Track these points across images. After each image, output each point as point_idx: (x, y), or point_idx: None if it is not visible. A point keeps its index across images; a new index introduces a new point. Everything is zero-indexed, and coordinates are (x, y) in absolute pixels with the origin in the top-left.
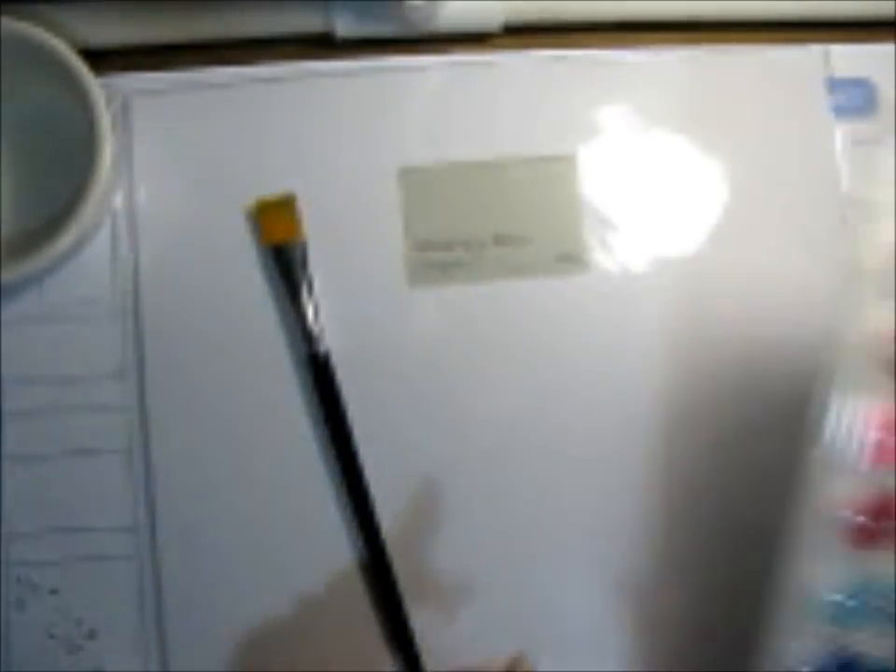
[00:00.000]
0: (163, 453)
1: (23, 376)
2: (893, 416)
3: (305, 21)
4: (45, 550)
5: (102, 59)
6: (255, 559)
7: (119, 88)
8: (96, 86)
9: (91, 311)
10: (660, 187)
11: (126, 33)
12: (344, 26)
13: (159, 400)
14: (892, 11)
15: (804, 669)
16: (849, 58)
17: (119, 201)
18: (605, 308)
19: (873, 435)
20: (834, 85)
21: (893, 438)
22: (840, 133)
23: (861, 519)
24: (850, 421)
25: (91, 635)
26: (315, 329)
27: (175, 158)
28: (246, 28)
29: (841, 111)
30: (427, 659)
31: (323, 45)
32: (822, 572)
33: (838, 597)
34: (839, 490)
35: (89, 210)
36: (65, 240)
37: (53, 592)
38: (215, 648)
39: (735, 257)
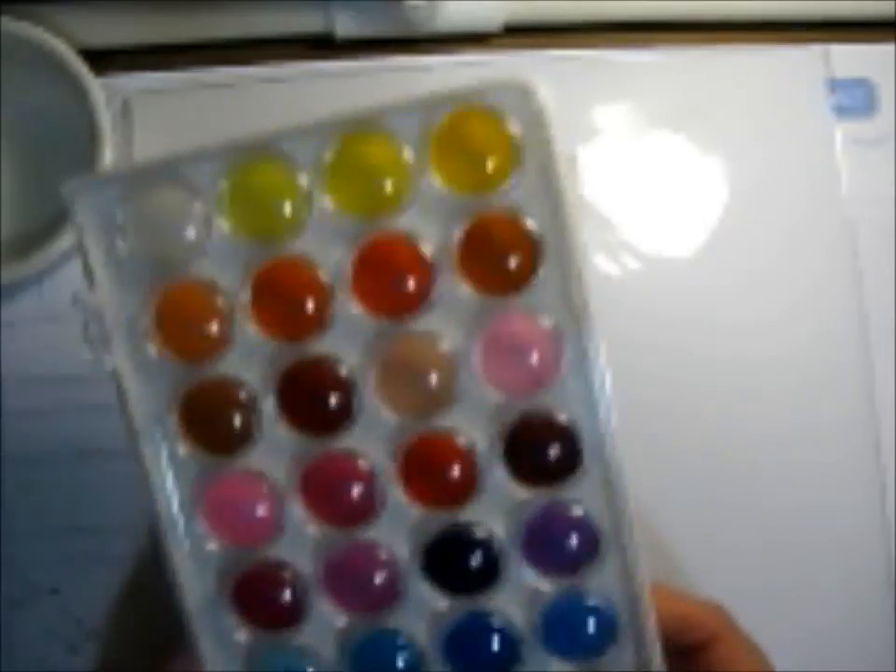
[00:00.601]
0: None
1: (23, 376)
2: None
3: (305, 22)
4: (45, 550)
5: (102, 59)
6: None
7: (119, 88)
8: (96, 86)
9: None
10: (660, 187)
11: (126, 33)
12: (344, 26)
13: None
14: (892, 11)
15: None
16: (850, 58)
17: None
18: (604, 308)
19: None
20: (835, 85)
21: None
22: (840, 133)
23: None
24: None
25: (92, 635)
26: None
27: None
28: (246, 28)
29: (841, 111)
30: None
31: (323, 45)
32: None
33: None
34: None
35: None
36: (65, 240)
37: (53, 592)
38: None
39: (736, 257)
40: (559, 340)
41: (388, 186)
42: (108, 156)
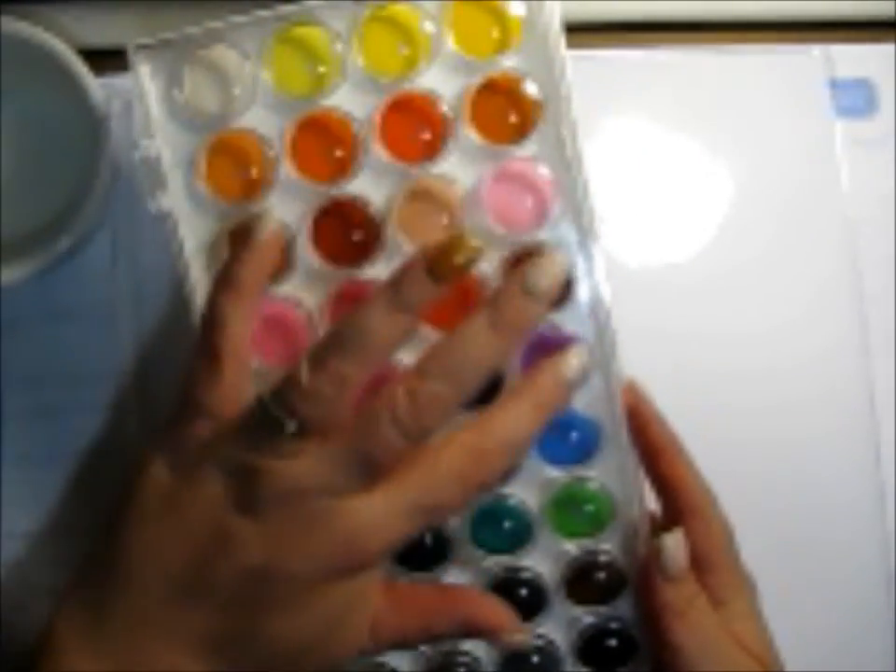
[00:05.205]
0: None
1: (23, 376)
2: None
3: None
4: (45, 550)
5: (102, 59)
6: None
7: (119, 88)
8: (96, 86)
9: (91, 311)
10: (660, 187)
11: (126, 33)
12: None
13: (159, 400)
14: (893, 11)
15: None
16: (851, 58)
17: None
18: None
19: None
20: (836, 85)
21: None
22: (840, 133)
23: None
24: None
25: None
26: None
27: None
28: None
29: (842, 111)
30: None
31: None
32: None
33: None
34: None
35: (89, 210)
36: (65, 240)
37: (53, 592)
38: None
39: (736, 256)
40: (555, 186)
41: (410, 51)
42: (108, 156)
